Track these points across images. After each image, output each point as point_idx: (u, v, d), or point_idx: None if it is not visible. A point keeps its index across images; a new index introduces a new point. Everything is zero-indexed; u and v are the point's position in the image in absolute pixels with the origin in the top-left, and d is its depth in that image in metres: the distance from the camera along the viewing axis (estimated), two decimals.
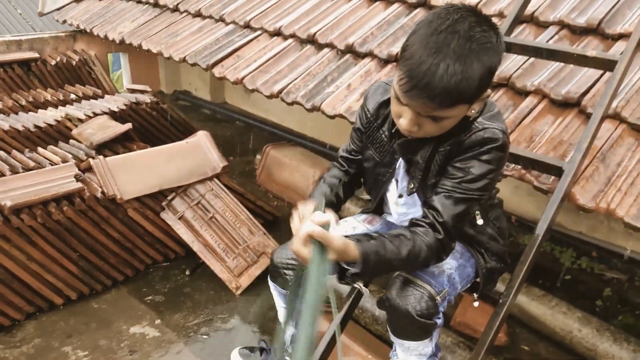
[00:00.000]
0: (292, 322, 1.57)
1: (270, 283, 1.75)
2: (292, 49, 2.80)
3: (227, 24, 3.20)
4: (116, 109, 3.16)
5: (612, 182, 1.71)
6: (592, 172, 1.74)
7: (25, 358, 2.09)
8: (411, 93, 1.17)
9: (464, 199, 1.30)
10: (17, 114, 3.21)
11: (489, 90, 1.27)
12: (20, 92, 3.57)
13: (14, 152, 2.70)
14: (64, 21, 4.25)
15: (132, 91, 3.53)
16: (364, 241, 1.26)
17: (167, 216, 2.57)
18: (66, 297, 2.37)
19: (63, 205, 2.30)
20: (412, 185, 1.43)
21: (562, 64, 2.04)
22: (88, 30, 3.95)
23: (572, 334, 2.09)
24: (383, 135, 1.47)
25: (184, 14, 3.53)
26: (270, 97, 2.60)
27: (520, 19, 2.14)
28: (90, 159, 2.57)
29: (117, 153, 2.78)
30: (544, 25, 2.24)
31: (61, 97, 3.49)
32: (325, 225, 1.21)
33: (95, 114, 3.09)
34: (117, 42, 3.62)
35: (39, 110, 3.24)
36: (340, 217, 1.66)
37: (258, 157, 3.52)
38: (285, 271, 1.64)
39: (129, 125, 2.93)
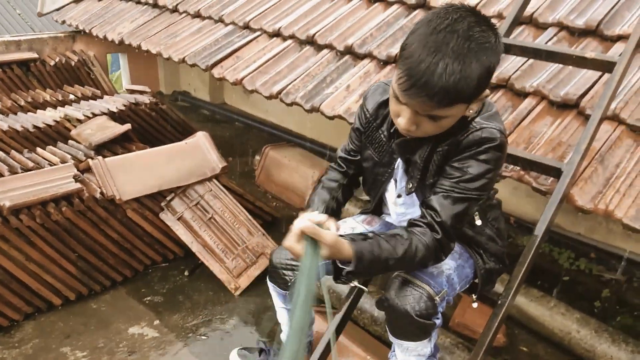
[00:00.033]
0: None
1: (269, 283, 1.75)
2: (291, 50, 2.81)
3: (227, 25, 3.20)
4: (115, 110, 3.16)
5: (611, 183, 1.71)
6: (590, 173, 1.74)
7: (24, 358, 2.09)
8: (410, 92, 1.18)
9: (462, 198, 1.31)
10: (16, 114, 3.21)
11: (487, 91, 1.27)
12: (19, 93, 3.57)
13: (13, 152, 2.69)
14: (63, 22, 4.25)
15: (131, 92, 3.53)
16: (358, 240, 1.26)
17: (166, 217, 2.57)
18: (65, 297, 2.37)
19: (62, 205, 2.30)
20: (411, 185, 1.43)
21: (561, 65, 2.05)
22: (87, 31, 3.95)
23: (571, 335, 2.09)
24: (382, 135, 1.47)
25: (184, 14, 3.53)
26: (270, 97, 2.60)
27: (519, 20, 2.14)
28: (89, 160, 2.57)
29: (116, 154, 2.78)
30: (543, 27, 2.25)
31: (60, 98, 3.49)
32: (320, 225, 1.22)
33: (94, 115, 3.09)
34: (117, 42, 3.62)
35: (38, 111, 3.24)
36: (340, 218, 1.67)
37: (257, 157, 3.52)
38: (284, 272, 1.64)
39: (128, 126, 2.93)
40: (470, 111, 1.27)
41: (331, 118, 2.37)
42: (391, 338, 1.48)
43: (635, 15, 2.10)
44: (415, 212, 1.46)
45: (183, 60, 3.05)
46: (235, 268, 2.52)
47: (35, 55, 3.93)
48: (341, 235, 1.26)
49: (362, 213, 1.74)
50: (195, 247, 2.54)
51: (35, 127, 2.96)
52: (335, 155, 1.67)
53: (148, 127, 3.35)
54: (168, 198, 2.59)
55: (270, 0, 3.18)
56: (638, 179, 1.69)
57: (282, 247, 1.68)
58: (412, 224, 1.34)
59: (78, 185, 2.37)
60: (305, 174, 3.18)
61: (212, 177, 2.71)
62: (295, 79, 2.59)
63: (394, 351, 1.54)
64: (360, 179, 1.65)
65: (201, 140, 2.83)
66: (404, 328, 1.40)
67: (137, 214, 2.52)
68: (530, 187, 1.82)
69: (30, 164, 2.56)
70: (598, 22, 2.11)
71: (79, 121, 3.06)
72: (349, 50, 2.59)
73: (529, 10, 2.24)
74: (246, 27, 3.09)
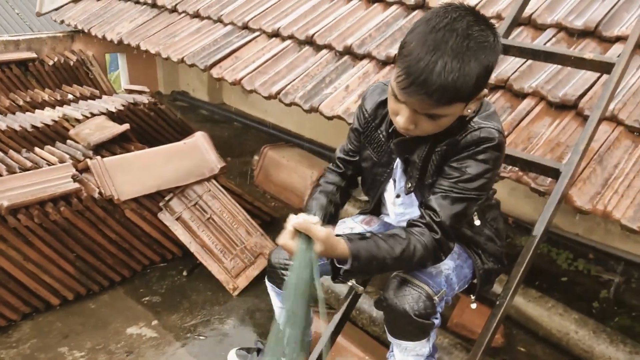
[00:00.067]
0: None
1: (267, 284, 1.75)
2: (290, 50, 2.81)
3: (226, 25, 3.20)
4: (114, 110, 3.16)
5: (609, 184, 1.72)
6: (589, 174, 1.74)
7: (22, 358, 2.08)
8: (409, 89, 1.18)
9: (461, 198, 1.31)
10: (14, 114, 3.21)
11: (486, 90, 1.27)
12: (17, 92, 3.57)
13: (11, 152, 2.69)
14: (62, 21, 4.25)
15: (130, 92, 3.53)
16: (355, 239, 1.27)
17: (165, 217, 2.56)
18: (63, 297, 2.36)
19: (60, 205, 2.30)
20: (410, 185, 1.44)
21: (559, 66, 2.05)
22: (86, 31, 3.95)
23: (569, 336, 2.10)
24: (381, 135, 1.47)
25: (183, 14, 3.53)
26: (269, 98, 2.61)
27: (518, 21, 2.15)
28: (88, 160, 2.56)
29: (114, 153, 2.78)
30: (542, 28, 2.25)
31: (59, 98, 3.49)
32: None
33: (93, 115, 3.09)
34: (115, 42, 3.62)
35: (37, 111, 3.24)
36: (338, 219, 1.67)
37: (256, 158, 3.52)
38: (282, 272, 1.64)
39: (126, 126, 2.93)
40: (469, 110, 1.28)
41: (330, 118, 2.37)
42: (390, 338, 1.48)
43: (633, 17, 2.11)
44: (414, 212, 1.46)
45: (182, 60, 3.05)
46: (233, 268, 2.52)
47: (34, 55, 3.93)
48: (339, 235, 1.26)
49: (360, 213, 1.74)
50: (193, 247, 2.53)
51: (33, 126, 2.95)
52: (333, 155, 1.67)
53: (147, 127, 3.34)
54: (166, 198, 2.59)
55: (270, 0, 3.18)
56: (636, 180, 1.70)
57: (281, 248, 1.69)
58: (411, 224, 1.34)
59: (76, 185, 2.37)
60: (304, 174, 3.18)
61: (211, 177, 2.71)
62: (294, 79, 2.59)
63: (392, 351, 1.54)
64: (359, 179, 1.65)
65: (200, 140, 2.83)
66: (403, 328, 1.40)
67: (136, 214, 2.51)
68: (528, 187, 1.82)
69: (29, 164, 2.56)
70: (597, 23, 2.11)
71: (78, 121, 3.05)
72: (348, 51, 2.59)
73: (527, 11, 2.24)
74: (245, 27, 3.10)
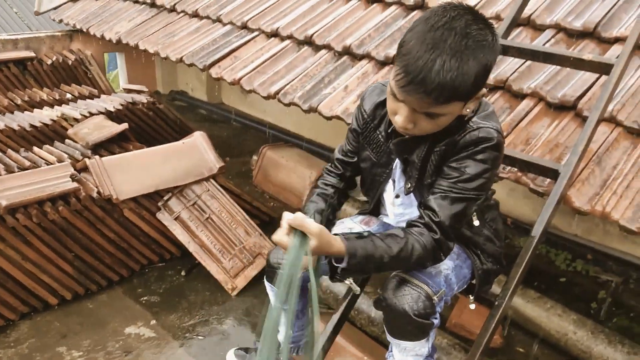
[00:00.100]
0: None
1: (266, 283, 1.74)
2: (289, 50, 2.81)
3: (225, 25, 3.19)
4: (112, 109, 3.15)
5: (608, 185, 1.72)
6: (587, 175, 1.74)
7: (20, 358, 2.08)
8: (407, 88, 1.18)
9: (461, 198, 1.31)
10: (12, 113, 3.20)
11: (484, 89, 1.27)
12: (16, 92, 3.56)
13: (10, 151, 2.68)
14: (61, 20, 4.24)
15: (129, 91, 3.52)
16: (352, 237, 1.27)
17: (163, 216, 2.56)
18: (61, 297, 2.36)
19: (59, 205, 2.30)
20: (409, 185, 1.44)
21: (558, 67, 2.05)
22: (84, 30, 3.94)
23: (568, 336, 2.10)
24: (380, 136, 1.47)
25: (181, 14, 3.53)
26: (268, 98, 2.60)
27: (517, 22, 2.15)
28: (86, 159, 2.56)
29: (113, 153, 2.77)
30: (541, 29, 2.25)
31: (57, 97, 3.48)
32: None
33: (92, 114, 3.09)
34: (114, 41, 3.61)
35: (35, 110, 3.24)
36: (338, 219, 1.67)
37: (254, 158, 3.52)
38: (281, 272, 1.63)
39: (125, 125, 2.92)
40: (467, 110, 1.28)
41: (329, 118, 2.37)
42: (389, 338, 1.48)
43: (632, 18, 2.11)
44: (414, 212, 1.46)
45: (181, 60, 3.05)
46: (232, 268, 2.51)
47: (33, 54, 3.92)
48: (336, 234, 1.26)
49: (359, 214, 1.73)
50: (192, 247, 2.53)
51: (32, 126, 2.95)
52: (332, 156, 1.66)
53: (145, 126, 3.34)
54: (165, 198, 2.59)
55: (269, 0, 3.18)
56: (635, 181, 1.70)
57: (279, 247, 1.68)
58: (410, 224, 1.34)
59: (75, 184, 2.36)
60: (302, 174, 3.18)
61: (210, 177, 2.71)
62: (293, 79, 2.58)
63: (391, 351, 1.54)
64: (357, 179, 1.65)
65: (198, 140, 2.83)
66: (402, 328, 1.40)
67: (134, 214, 2.51)
68: (527, 188, 1.83)
69: (27, 163, 2.55)
70: (595, 24, 2.11)
71: (76, 120, 3.05)
72: (347, 51, 2.59)
73: (526, 12, 2.24)
74: (244, 27, 3.09)
